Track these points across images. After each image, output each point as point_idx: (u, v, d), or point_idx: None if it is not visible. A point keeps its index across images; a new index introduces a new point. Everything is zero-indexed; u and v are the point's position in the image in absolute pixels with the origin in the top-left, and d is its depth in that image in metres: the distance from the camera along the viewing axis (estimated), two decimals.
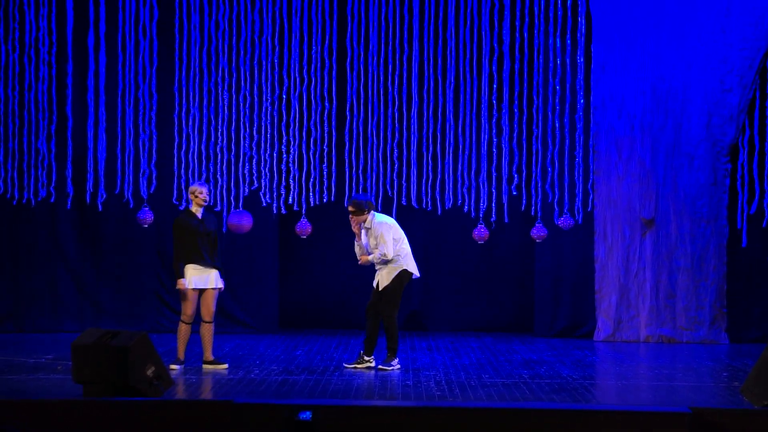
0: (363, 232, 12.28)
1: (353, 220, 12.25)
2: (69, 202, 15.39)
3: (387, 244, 12.08)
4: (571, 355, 13.99)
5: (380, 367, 12.09)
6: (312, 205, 15.46)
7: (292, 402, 9.13)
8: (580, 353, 14.21)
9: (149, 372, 9.54)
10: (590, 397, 10.49)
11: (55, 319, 15.93)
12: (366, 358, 12.24)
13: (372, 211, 12.27)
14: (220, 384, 11.03)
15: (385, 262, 12.15)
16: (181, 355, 12.22)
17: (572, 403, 9.99)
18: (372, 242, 12.23)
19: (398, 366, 12.19)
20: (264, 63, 15.30)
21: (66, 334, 15.28)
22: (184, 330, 12.22)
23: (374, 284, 12.33)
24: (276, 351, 13.87)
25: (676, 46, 15.56)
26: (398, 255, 12.16)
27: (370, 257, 12.25)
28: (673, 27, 15.55)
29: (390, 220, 12.38)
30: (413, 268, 12.27)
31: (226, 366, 12.17)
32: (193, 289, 12.12)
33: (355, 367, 12.22)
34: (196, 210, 12.22)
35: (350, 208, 12.27)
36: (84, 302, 16.01)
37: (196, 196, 12.23)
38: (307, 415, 8.55)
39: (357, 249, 12.46)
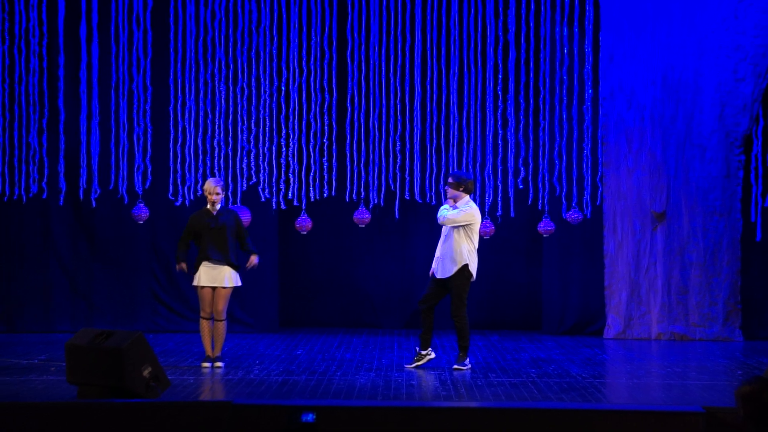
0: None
1: (448, 192, 12.21)
2: (61, 199, 15.20)
3: (459, 213, 11.88)
4: (581, 353, 13.86)
5: (455, 367, 11.96)
6: (312, 200, 15.31)
7: (293, 403, 9.00)
8: (590, 351, 14.07)
9: (145, 373, 9.47)
10: (600, 397, 10.37)
11: (47, 319, 15.72)
12: (423, 353, 12.12)
13: (468, 196, 12.11)
14: (218, 385, 10.88)
15: (451, 252, 11.88)
16: (208, 351, 12.15)
17: (582, 402, 9.89)
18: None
19: (470, 366, 12.06)
20: (262, 54, 15.16)
21: (59, 334, 15.15)
22: (202, 325, 12.16)
23: (431, 272, 12.16)
24: (276, 351, 13.70)
25: (687, 34, 15.34)
26: (470, 251, 11.94)
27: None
28: (684, 13, 15.32)
29: (477, 213, 12.11)
30: (474, 269, 12.02)
31: (220, 365, 12.01)
32: (204, 287, 12.06)
33: (417, 366, 12.08)
34: (211, 207, 12.13)
35: (449, 179, 12.18)
36: (77, 301, 15.79)
37: (206, 195, 12.19)
38: (309, 416, 8.34)
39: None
